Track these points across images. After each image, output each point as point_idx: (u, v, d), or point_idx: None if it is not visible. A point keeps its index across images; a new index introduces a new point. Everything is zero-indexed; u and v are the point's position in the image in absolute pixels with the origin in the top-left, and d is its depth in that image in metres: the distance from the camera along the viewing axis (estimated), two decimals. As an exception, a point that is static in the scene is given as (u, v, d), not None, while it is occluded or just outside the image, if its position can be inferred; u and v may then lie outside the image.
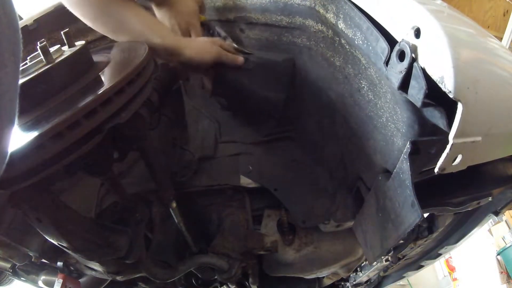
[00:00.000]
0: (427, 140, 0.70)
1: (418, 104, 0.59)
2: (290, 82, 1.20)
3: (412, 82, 0.60)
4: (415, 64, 0.59)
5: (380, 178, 0.86)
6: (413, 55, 0.60)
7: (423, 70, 0.58)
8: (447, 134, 0.57)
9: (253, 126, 1.34)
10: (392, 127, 0.80)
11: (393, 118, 0.79)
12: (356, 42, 0.79)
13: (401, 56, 0.62)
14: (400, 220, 0.74)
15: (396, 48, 0.63)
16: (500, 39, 3.54)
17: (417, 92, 0.59)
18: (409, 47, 0.60)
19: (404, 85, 0.63)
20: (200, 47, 1.09)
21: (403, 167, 0.71)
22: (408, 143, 0.69)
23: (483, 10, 3.79)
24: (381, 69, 0.70)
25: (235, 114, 1.36)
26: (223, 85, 1.18)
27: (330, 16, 0.89)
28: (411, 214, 0.69)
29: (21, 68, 0.72)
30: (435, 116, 0.61)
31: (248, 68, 1.15)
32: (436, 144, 0.68)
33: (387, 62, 0.67)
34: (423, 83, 0.57)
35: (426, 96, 0.58)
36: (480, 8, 3.78)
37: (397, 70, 0.63)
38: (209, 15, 1.39)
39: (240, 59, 1.13)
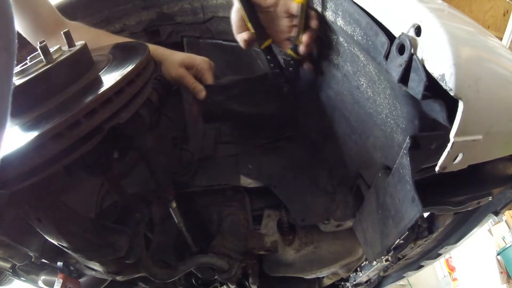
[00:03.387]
0: (427, 135, 0.70)
1: (418, 96, 0.59)
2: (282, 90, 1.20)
3: (412, 75, 0.60)
4: (414, 57, 0.59)
5: (380, 174, 0.86)
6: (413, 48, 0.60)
7: (423, 66, 0.58)
8: (446, 129, 0.57)
9: (252, 130, 1.35)
10: (392, 123, 0.80)
11: (393, 114, 0.79)
12: (355, 38, 0.79)
13: (401, 49, 0.62)
14: (401, 216, 0.74)
15: (396, 41, 0.63)
16: (500, 39, 3.54)
17: (417, 84, 0.59)
18: (409, 40, 0.60)
19: (404, 78, 0.63)
20: (167, 66, 1.08)
21: (403, 162, 0.71)
22: (408, 138, 0.70)
23: (483, 10, 3.79)
24: (380, 64, 0.70)
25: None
26: (214, 111, 1.16)
27: (328, 14, 0.89)
28: (411, 209, 0.69)
29: (21, 68, 0.72)
30: (435, 110, 0.61)
31: (231, 94, 1.14)
32: (436, 140, 0.68)
33: (386, 56, 0.67)
34: (422, 75, 0.57)
35: (426, 88, 0.58)
36: (480, 8, 3.77)
37: (397, 63, 0.63)
38: (213, 12, 1.39)
39: (202, 93, 1.08)
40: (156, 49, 1.10)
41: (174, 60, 1.09)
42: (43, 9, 1.07)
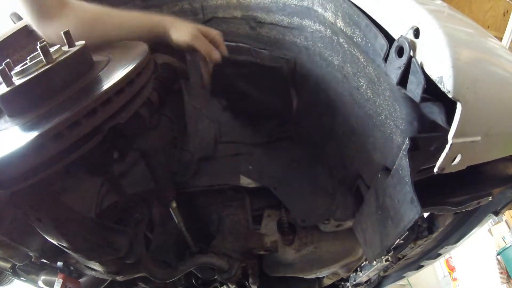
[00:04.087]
0: (426, 137, 0.70)
1: (417, 99, 0.60)
2: (290, 85, 1.20)
3: (411, 78, 0.61)
4: (413, 59, 0.59)
5: (379, 175, 0.86)
6: (411, 51, 0.60)
7: (422, 69, 0.58)
8: (445, 131, 0.57)
9: (253, 127, 1.34)
10: (391, 124, 0.81)
11: (392, 116, 0.79)
12: (355, 40, 0.79)
13: (400, 52, 0.63)
14: (400, 216, 0.74)
15: (395, 44, 0.64)
16: (500, 39, 3.53)
17: (415, 87, 0.60)
18: (408, 42, 0.60)
19: (403, 81, 0.63)
20: (179, 28, 1.06)
21: (402, 163, 0.72)
22: (407, 139, 0.70)
23: (483, 10, 3.78)
24: (380, 66, 0.70)
25: (235, 115, 1.37)
26: (221, 84, 1.18)
27: (328, 15, 0.89)
28: (411, 210, 0.69)
29: (21, 68, 0.72)
30: (434, 112, 0.61)
31: (242, 71, 1.15)
32: (435, 141, 0.68)
33: (385, 59, 0.67)
34: (421, 78, 0.58)
35: (425, 91, 0.58)
36: (480, 8, 3.77)
37: (396, 65, 0.64)
38: (212, 13, 1.39)
39: (216, 55, 1.08)
40: (163, 17, 1.09)
41: (188, 24, 1.08)
42: None
